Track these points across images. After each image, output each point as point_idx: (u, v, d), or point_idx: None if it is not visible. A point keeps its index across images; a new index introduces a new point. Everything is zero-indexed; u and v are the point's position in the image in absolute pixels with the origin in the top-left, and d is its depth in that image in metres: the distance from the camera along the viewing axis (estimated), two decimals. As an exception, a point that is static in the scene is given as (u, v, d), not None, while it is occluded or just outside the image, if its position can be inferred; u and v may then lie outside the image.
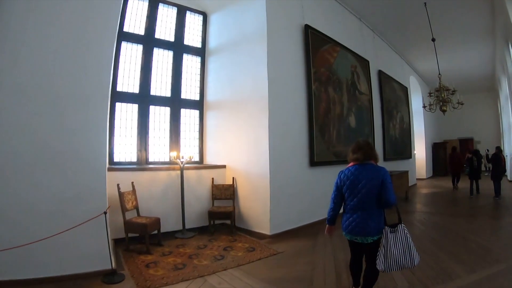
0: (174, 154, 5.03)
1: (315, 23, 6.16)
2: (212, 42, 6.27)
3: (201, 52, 6.24)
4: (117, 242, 4.26)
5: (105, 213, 3.20)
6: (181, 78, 5.85)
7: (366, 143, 2.53)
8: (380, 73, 9.13)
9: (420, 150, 13.83)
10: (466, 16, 7.84)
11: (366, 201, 2.34)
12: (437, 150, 15.15)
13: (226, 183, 5.59)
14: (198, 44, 6.24)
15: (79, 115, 3.30)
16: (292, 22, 5.78)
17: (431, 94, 7.36)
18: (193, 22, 6.20)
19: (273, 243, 4.43)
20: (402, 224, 2.36)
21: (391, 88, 9.88)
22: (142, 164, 5.23)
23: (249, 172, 5.36)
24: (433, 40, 7.51)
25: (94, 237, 3.22)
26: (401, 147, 10.42)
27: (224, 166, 5.80)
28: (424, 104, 7.82)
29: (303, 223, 5.42)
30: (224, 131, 5.92)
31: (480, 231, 4.80)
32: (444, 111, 7.28)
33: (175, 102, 5.76)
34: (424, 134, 14.09)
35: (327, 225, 2.67)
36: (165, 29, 5.74)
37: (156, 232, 4.35)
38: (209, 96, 6.22)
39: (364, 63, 8.00)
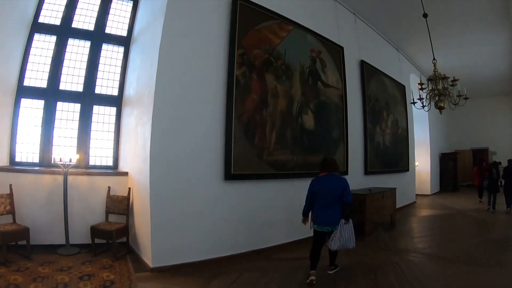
0: (57, 155, 4.10)
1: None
2: (136, 29, 5.08)
3: (125, 41, 5.18)
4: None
5: None
6: (97, 71, 5.00)
7: (332, 161, 3.59)
8: (363, 65, 7.29)
9: (423, 162, 11.72)
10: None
11: (334, 201, 3.30)
12: (446, 161, 12.92)
13: (122, 195, 4.42)
14: (123, 32, 5.20)
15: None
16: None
17: (423, 86, 5.47)
18: (120, 8, 5.27)
19: (147, 281, 3.29)
20: (350, 220, 3.33)
21: (379, 84, 8.00)
22: (45, 165, 4.50)
23: (139, 182, 4.09)
24: (425, 16, 5.64)
25: None
26: (394, 157, 8.45)
27: (126, 173, 4.60)
28: (413, 100, 5.89)
29: (214, 256, 3.92)
30: (129, 130, 4.68)
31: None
32: (441, 108, 5.34)
33: (87, 98, 4.87)
34: (429, 143, 11.97)
35: (302, 217, 3.59)
36: (84, 18, 5.00)
37: (25, 243, 3.77)
38: (127, 91, 4.99)
39: (335, 50, 6.24)
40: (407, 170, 9.26)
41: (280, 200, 4.86)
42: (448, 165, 12.81)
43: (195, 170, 3.86)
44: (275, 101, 4.86)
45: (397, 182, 8.36)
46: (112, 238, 3.91)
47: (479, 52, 9.61)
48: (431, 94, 5.48)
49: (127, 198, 4.32)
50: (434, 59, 5.54)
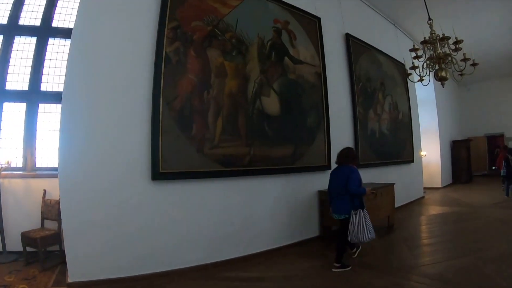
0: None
1: None
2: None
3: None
4: None
5: None
6: (43, 67, 4.62)
7: (346, 153, 3.59)
8: (349, 38, 6.10)
9: (432, 151, 10.38)
10: None
11: (340, 191, 3.39)
12: (457, 150, 11.49)
13: (55, 199, 3.85)
14: (71, 24, 4.59)
15: None
16: None
17: (418, 53, 4.25)
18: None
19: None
20: (364, 210, 3.37)
21: (372, 61, 6.77)
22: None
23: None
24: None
25: None
26: (394, 147, 7.21)
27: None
28: (408, 71, 4.65)
29: (145, 272, 3.22)
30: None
31: None
32: (442, 79, 4.10)
33: (33, 96, 4.48)
34: (438, 130, 10.60)
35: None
36: (31, 14, 4.68)
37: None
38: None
39: (308, 21, 5.09)
40: (412, 161, 7.98)
41: (233, 204, 3.87)
42: (460, 153, 11.36)
43: (114, 169, 3.16)
44: (221, 81, 3.83)
45: (400, 176, 7.16)
46: (38, 246, 3.49)
47: (488, 24, 8.24)
48: (428, 62, 4.26)
49: (59, 202, 3.51)
50: (429, 19, 4.33)
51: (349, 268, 3.32)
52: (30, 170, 4.29)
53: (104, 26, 3.26)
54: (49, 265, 3.53)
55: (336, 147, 5.13)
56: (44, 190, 3.94)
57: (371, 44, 6.81)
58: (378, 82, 6.85)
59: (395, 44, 8.13)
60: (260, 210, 4.09)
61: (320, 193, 4.75)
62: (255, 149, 4.00)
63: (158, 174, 3.25)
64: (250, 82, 4.09)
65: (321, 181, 4.85)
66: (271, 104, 4.23)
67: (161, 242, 3.33)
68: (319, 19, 5.30)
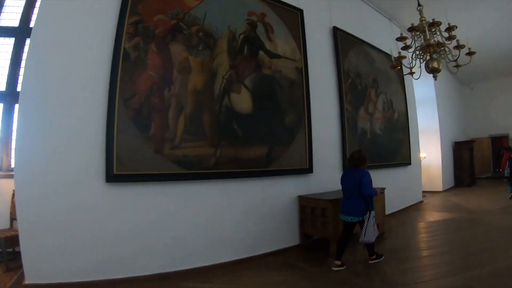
0: None
1: None
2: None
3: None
4: None
5: None
6: (20, 68, 4.58)
7: (357, 156, 3.56)
8: (337, 32, 5.68)
9: (433, 153, 9.89)
10: None
11: (351, 193, 3.43)
12: (460, 151, 10.93)
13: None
14: None
15: None
16: None
17: (406, 43, 3.82)
18: None
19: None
20: (368, 212, 3.38)
21: (363, 56, 6.34)
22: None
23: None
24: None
25: None
26: (388, 148, 6.74)
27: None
28: (394, 62, 4.21)
29: (102, 277, 3.03)
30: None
31: None
32: (434, 70, 3.63)
33: (10, 97, 4.45)
34: (438, 130, 10.10)
35: None
36: (9, 15, 4.79)
37: None
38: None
39: (289, 13, 4.72)
40: (409, 163, 7.49)
41: (197, 209, 3.54)
42: (463, 155, 10.80)
43: (69, 169, 3.00)
44: (185, 77, 3.51)
45: (395, 179, 6.71)
46: (1, 246, 3.53)
47: (491, 18, 7.75)
48: (418, 53, 3.83)
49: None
50: (419, 5, 3.89)
51: (383, 257, 3.61)
52: (5, 170, 4.27)
53: (63, 23, 3.10)
54: (14, 265, 3.46)
55: (319, 148, 4.76)
56: (14, 190, 3.74)
57: (362, 38, 6.40)
58: (370, 78, 6.42)
59: (391, 40, 7.68)
60: (229, 217, 3.71)
61: (301, 198, 4.32)
62: (223, 150, 3.62)
63: (113, 176, 3.03)
64: (218, 78, 3.72)
65: (301, 185, 4.45)
66: (242, 101, 3.85)
67: (119, 247, 3.11)
68: (301, 11, 4.92)
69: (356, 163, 3.53)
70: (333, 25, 5.72)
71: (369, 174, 3.43)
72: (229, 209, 3.74)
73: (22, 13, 4.70)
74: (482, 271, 3.11)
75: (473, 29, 7.99)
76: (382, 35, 7.36)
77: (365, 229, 3.34)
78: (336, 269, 3.35)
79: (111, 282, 3.02)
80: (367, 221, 3.34)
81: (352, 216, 3.40)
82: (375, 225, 3.43)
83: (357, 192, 3.35)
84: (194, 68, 3.58)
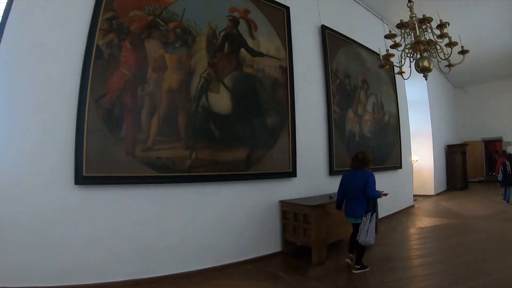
0: None
1: None
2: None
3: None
4: None
5: None
6: None
7: (362, 157, 3.51)
8: (325, 31, 5.52)
9: (425, 156, 9.77)
10: None
11: (355, 194, 3.36)
12: (453, 155, 10.84)
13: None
14: None
15: None
16: None
17: (396, 41, 3.67)
18: None
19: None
20: (374, 213, 3.33)
21: (352, 56, 6.18)
22: None
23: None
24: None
25: None
26: (378, 151, 6.58)
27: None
28: (382, 61, 4.05)
29: (72, 283, 2.88)
30: None
31: None
32: (425, 69, 3.45)
33: None
34: (431, 133, 9.99)
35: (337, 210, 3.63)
36: None
37: None
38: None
39: (274, 10, 4.55)
40: (399, 167, 7.34)
41: (171, 214, 3.37)
42: (455, 159, 10.72)
43: (37, 170, 2.85)
44: (160, 75, 3.34)
45: (385, 183, 6.42)
46: None
47: (485, 22, 7.66)
48: (407, 51, 3.67)
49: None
50: (409, 1, 3.74)
51: (368, 268, 3.42)
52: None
53: (33, 18, 2.95)
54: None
55: (304, 151, 4.58)
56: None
57: (352, 38, 6.24)
58: (359, 79, 6.26)
59: (382, 40, 7.55)
60: (205, 222, 3.52)
61: (282, 203, 4.12)
62: (198, 152, 3.42)
63: (82, 178, 2.89)
64: (195, 77, 3.53)
65: (284, 190, 4.26)
66: (220, 101, 3.65)
67: (89, 252, 2.97)
68: (287, 8, 4.75)
69: (361, 164, 3.48)
70: (322, 23, 5.55)
71: (373, 176, 3.37)
72: (206, 214, 3.55)
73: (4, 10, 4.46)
74: (475, 283, 2.93)
75: (466, 31, 7.88)
76: (373, 35, 7.19)
77: (367, 230, 3.27)
78: (356, 272, 3.36)
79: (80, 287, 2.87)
80: (369, 222, 3.28)
81: (354, 218, 3.38)
82: (375, 228, 3.39)
83: (361, 193, 3.31)
84: (170, 66, 3.39)
